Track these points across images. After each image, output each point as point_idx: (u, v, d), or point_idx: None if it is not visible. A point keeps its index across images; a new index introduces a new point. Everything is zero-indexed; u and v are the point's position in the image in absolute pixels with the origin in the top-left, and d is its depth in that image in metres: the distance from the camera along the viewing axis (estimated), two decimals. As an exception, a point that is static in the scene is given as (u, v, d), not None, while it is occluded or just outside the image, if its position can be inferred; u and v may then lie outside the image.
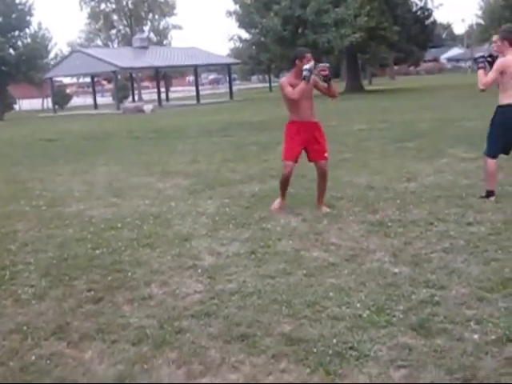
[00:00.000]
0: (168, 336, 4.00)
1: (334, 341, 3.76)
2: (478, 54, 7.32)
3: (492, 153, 7.17)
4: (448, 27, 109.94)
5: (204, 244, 6.10)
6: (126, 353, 3.82)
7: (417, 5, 49.29)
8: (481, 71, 7.00)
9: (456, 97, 27.86)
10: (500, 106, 7.04)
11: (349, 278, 4.87)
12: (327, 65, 7.11)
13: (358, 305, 4.30)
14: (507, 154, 7.31)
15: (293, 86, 6.93)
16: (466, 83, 38.34)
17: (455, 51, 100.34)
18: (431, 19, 50.27)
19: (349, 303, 4.34)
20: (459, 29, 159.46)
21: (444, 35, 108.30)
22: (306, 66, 6.83)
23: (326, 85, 7.15)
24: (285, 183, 7.24)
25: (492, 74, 6.85)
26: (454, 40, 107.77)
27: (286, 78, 7.24)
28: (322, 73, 7.04)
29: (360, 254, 5.48)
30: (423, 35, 48.88)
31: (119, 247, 6.12)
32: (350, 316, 4.12)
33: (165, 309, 4.47)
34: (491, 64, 7.00)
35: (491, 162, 7.17)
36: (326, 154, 7.18)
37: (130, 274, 5.30)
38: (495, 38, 7.11)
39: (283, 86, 7.03)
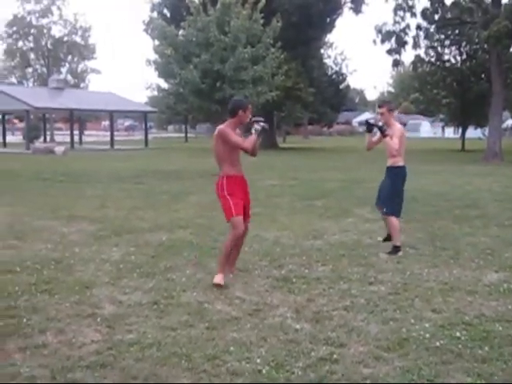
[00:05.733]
0: (59, 387, 3.83)
1: (232, 396, 3.71)
2: (371, 120, 8.04)
3: (396, 212, 7.74)
4: (361, 92, 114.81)
5: (105, 292, 5.94)
6: (12, 404, 3.63)
7: (332, 69, 51.47)
8: (369, 135, 8.02)
9: (364, 159, 28.84)
10: (398, 167, 7.72)
11: (250, 332, 4.86)
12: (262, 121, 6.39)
13: (258, 360, 4.27)
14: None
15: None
16: (374, 147, 39.82)
17: (367, 116, 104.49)
18: (345, 84, 52.55)
19: (249, 358, 4.31)
20: (371, 95, 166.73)
21: (357, 100, 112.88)
22: (259, 125, 6.28)
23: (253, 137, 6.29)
24: (237, 242, 6.45)
25: (397, 140, 7.57)
26: (366, 105, 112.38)
27: (225, 127, 6.31)
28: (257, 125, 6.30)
29: (263, 308, 5.49)
30: (337, 98, 50.89)
31: (15, 292, 5.86)
32: (249, 371, 4.09)
33: (59, 358, 4.29)
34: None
35: (395, 219, 7.69)
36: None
37: (24, 320, 5.08)
38: (380, 110, 7.65)
39: (228, 133, 6.21)
